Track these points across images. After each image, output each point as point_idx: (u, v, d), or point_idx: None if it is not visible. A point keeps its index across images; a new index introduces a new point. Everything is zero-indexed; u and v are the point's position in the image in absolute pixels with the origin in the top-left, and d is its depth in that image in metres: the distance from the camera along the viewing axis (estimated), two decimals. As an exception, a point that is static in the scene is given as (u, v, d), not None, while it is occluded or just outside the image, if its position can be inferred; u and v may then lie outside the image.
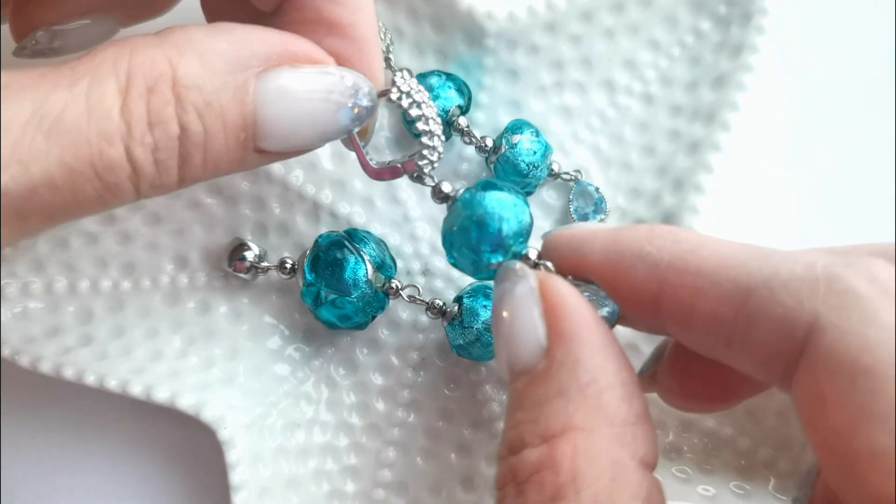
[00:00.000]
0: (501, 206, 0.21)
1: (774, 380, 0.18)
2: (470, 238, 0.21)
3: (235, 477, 0.25)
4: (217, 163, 0.19)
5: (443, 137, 0.22)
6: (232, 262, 0.27)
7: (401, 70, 0.26)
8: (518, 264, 0.20)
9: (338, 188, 0.28)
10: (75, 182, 0.17)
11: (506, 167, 0.27)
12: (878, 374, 0.15)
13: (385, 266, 0.26)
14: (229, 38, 0.18)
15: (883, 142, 0.30)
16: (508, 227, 0.21)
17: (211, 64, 0.18)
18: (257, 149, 0.19)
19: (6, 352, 0.25)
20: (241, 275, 0.27)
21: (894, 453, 0.14)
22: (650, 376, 0.23)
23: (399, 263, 0.28)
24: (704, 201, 0.27)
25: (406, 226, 0.28)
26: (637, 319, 0.20)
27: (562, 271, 0.20)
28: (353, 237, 0.26)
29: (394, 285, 0.26)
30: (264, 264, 0.27)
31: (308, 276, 0.25)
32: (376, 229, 0.28)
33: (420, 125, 0.22)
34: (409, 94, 0.22)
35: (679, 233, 0.19)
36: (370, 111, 0.20)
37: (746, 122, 0.27)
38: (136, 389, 0.25)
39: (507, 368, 0.19)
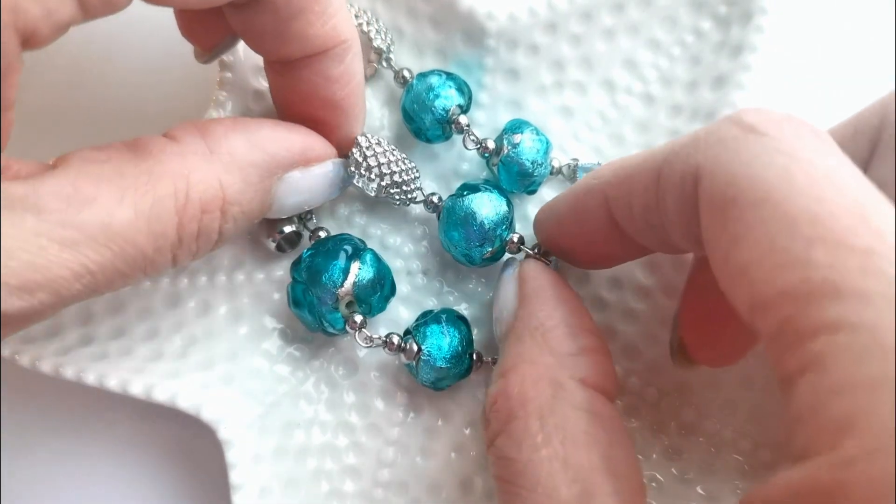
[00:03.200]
0: (480, 204, 0.25)
1: (698, 247, 0.19)
2: (461, 238, 0.26)
3: (235, 476, 0.25)
4: (233, 237, 0.24)
5: (412, 173, 0.26)
6: (271, 233, 0.27)
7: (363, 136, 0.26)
8: (508, 258, 0.26)
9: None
10: (123, 280, 0.20)
11: (510, 168, 0.26)
12: (742, 203, 0.16)
13: (366, 296, 0.25)
14: (261, 147, 0.23)
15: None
16: (490, 221, 0.25)
17: (248, 178, 0.22)
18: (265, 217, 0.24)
19: (6, 352, 0.25)
20: (271, 243, 0.27)
21: (757, 267, 0.16)
22: (678, 349, 0.24)
23: (398, 263, 0.28)
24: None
25: (406, 227, 0.28)
26: (607, 247, 0.23)
27: (545, 244, 0.25)
28: (356, 251, 0.26)
29: (356, 319, 0.25)
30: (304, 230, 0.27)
31: (294, 272, 0.26)
32: (377, 229, 0.28)
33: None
34: (367, 157, 0.26)
35: (612, 161, 0.22)
36: (349, 182, 0.26)
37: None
38: (136, 389, 0.25)
39: (498, 334, 0.24)
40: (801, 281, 0.15)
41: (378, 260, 0.26)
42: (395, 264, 0.28)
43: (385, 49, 0.27)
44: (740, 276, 0.16)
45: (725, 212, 0.17)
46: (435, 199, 0.27)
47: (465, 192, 0.26)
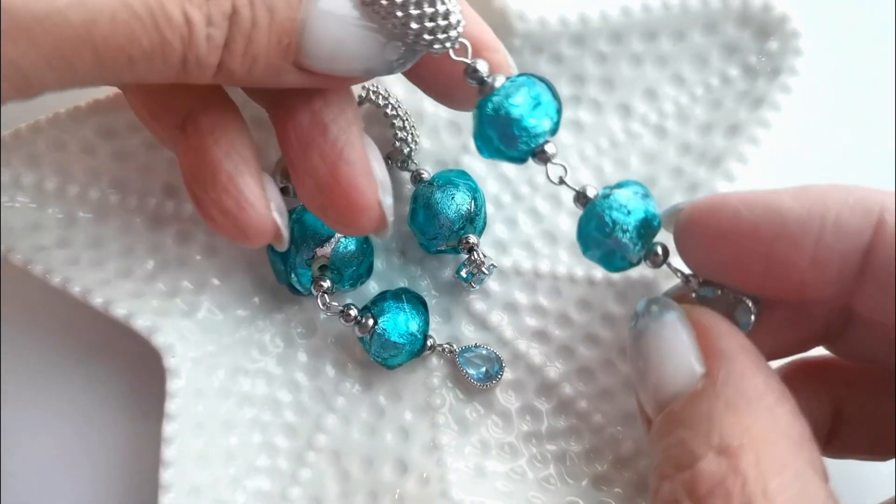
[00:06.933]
0: (444, 198, 0.26)
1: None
2: (416, 227, 0.26)
3: (172, 405, 0.25)
4: (255, 59, 0.19)
5: (414, 130, 0.26)
6: (283, 179, 0.27)
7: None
8: (660, 298, 0.21)
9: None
10: (132, 27, 0.17)
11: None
12: None
13: (341, 266, 0.26)
14: None
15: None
16: (447, 219, 0.26)
17: None
18: (297, 63, 0.19)
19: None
20: (280, 182, 0.27)
21: None
22: None
23: (378, 240, 0.28)
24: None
25: (396, 204, 0.28)
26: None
27: (693, 268, 0.21)
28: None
29: (322, 284, 0.26)
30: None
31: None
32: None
33: (395, 122, 0.27)
34: (384, 97, 0.26)
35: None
36: (415, 53, 0.20)
37: (751, 175, 0.26)
38: (97, 300, 0.26)
39: (654, 398, 0.20)
40: None
41: (366, 240, 0.26)
42: (376, 238, 0.28)
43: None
44: None
45: None
46: (423, 174, 0.27)
47: (434, 182, 0.26)
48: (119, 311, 0.26)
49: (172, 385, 0.26)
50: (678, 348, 0.19)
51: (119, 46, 0.17)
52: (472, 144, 0.28)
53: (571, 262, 0.28)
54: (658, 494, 0.18)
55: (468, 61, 0.21)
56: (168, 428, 0.25)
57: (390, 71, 0.20)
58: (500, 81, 0.21)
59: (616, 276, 0.27)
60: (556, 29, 0.27)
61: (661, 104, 0.28)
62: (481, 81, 0.21)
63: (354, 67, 0.20)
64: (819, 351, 0.23)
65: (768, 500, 0.16)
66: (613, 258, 0.21)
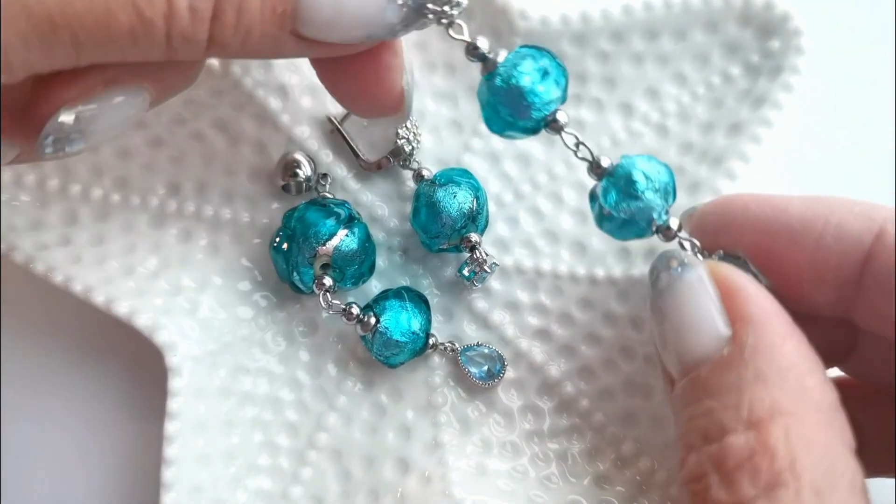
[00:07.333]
0: (445, 196, 0.26)
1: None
2: (419, 225, 0.26)
3: (173, 404, 0.25)
4: (249, 30, 0.18)
5: (416, 129, 0.26)
6: (285, 177, 0.27)
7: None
8: (678, 251, 0.20)
9: (339, 150, 0.28)
10: (109, 5, 0.17)
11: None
12: None
13: (343, 264, 0.26)
14: None
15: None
16: (450, 217, 0.26)
17: None
18: (295, 32, 0.19)
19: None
20: (280, 181, 0.27)
21: None
22: None
23: (381, 236, 0.28)
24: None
25: (397, 201, 0.28)
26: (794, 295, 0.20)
27: (707, 247, 0.20)
28: (350, 219, 0.26)
29: (325, 282, 0.26)
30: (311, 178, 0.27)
31: (285, 219, 0.26)
32: (367, 197, 0.28)
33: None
34: None
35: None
36: (416, 16, 0.20)
37: (752, 174, 0.26)
38: (99, 299, 0.26)
39: (677, 360, 0.19)
40: None
41: (368, 238, 0.26)
42: (378, 236, 0.28)
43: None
44: None
45: None
46: (425, 172, 0.27)
47: (436, 180, 0.26)
48: (121, 309, 0.26)
49: (174, 384, 0.26)
50: (704, 311, 0.18)
51: (96, 26, 0.17)
52: (473, 143, 0.28)
53: (573, 261, 0.28)
54: (685, 465, 0.18)
55: (468, 39, 0.21)
56: (170, 427, 0.25)
57: (393, 34, 0.20)
58: (502, 56, 0.21)
59: (618, 274, 0.27)
60: (558, 27, 0.27)
61: (663, 103, 0.28)
62: (483, 58, 0.21)
63: (355, 33, 0.19)
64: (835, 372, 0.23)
65: (795, 476, 0.16)
66: (639, 219, 0.20)
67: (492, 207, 0.28)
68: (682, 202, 0.27)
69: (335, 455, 0.27)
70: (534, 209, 0.28)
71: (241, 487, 0.26)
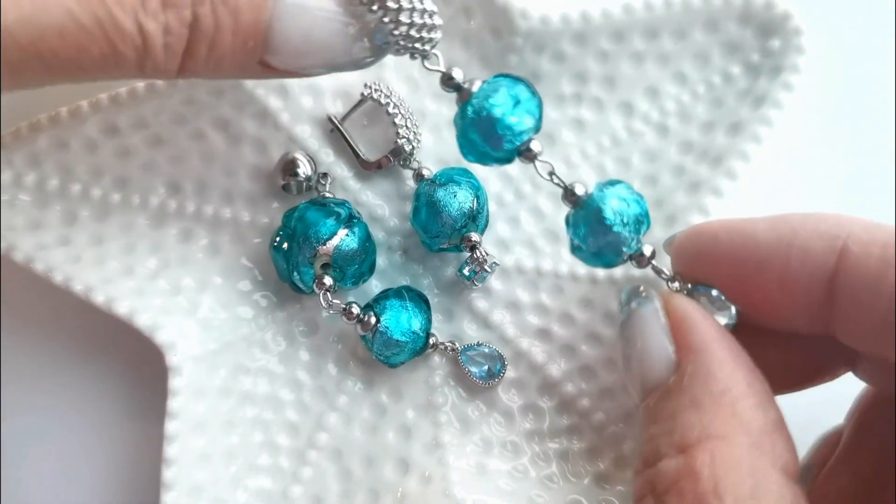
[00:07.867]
0: (446, 196, 0.25)
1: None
2: (419, 225, 0.26)
3: (174, 404, 0.25)
4: (220, 62, 0.19)
5: (416, 128, 0.26)
6: (285, 176, 0.27)
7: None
8: (641, 287, 0.21)
9: (339, 149, 0.28)
10: (81, 41, 0.17)
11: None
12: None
13: (343, 264, 0.26)
14: None
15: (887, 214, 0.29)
16: (450, 217, 0.25)
17: None
18: (263, 62, 0.19)
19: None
20: (280, 181, 0.27)
21: None
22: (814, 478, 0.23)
23: (381, 235, 0.28)
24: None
25: (397, 201, 0.28)
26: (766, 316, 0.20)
27: (683, 275, 0.21)
28: (350, 219, 0.26)
29: (325, 281, 0.26)
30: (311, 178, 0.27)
31: (285, 218, 0.26)
32: (367, 197, 0.28)
33: (397, 120, 0.27)
34: (386, 96, 0.26)
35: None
36: (383, 53, 0.20)
37: (752, 173, 0.26)
38: (99, 298, 0.26)
39: (639, 387, 0.20)
40: None
41: (368, 237, 0.26)
42: (378, 236, 0.28)
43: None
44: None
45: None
46: (425, 172, 0.27)
47: (437, 180, 0.26)
48: (121, 309, 0.26)
49: (174, 383, 0.26)
50: (657, 341, 0.20)
51: (68, 58, 0.17)
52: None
53: (573, 261, 0.27)
54: (635, 487, 0.19)
55: (443, 69, 0.21)
56: (170, 426, 0.25)
57: (356, 67, 0.20)
58: (476, 85, 0.21)
59: (619, 274, 0.27)
60: (558, 27, 0.27)
61: (663, 102, 0.28)
62: (458, 88, 0.21)
63: (321, 65, 0.20)
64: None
65: (718, 497, 0.17)
66: (607, 252, 0.21)
67: (492, 207, 0.28)
68: (682, 202, 0.27)
69: (335, 455, 0.27)
70: (534, 209, 0.28)
71: (242, 487, 0.26)
